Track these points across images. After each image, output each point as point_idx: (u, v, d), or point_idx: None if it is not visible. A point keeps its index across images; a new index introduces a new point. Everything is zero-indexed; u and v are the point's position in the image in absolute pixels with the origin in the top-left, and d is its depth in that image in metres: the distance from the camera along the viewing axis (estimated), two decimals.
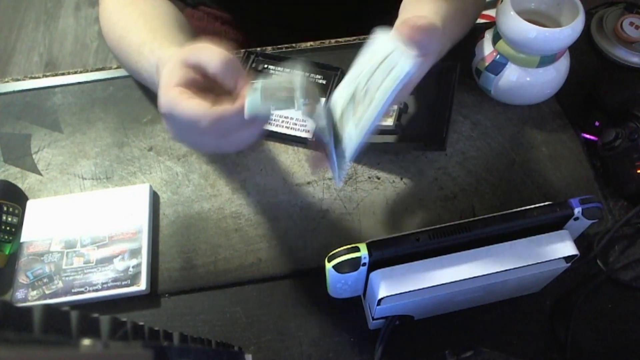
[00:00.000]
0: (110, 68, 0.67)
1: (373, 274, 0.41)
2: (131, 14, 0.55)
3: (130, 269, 0.51)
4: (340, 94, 0.42)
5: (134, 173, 0.59)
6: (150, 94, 0.65)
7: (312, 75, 0.64)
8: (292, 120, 0.61)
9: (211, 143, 0.40)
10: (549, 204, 0.41)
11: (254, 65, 0.65)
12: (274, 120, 0.60)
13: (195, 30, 0.72)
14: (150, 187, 0.56)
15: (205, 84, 0.40)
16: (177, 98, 0.38)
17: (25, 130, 0.62)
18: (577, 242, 0.42)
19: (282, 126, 0.60)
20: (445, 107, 0.57)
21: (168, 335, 0.26)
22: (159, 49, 0.48)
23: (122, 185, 0.58)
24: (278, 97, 0.37)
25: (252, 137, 0.40)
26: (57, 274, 0.51)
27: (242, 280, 0.52)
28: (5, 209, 0.53)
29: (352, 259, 0.39)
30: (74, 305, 0.50)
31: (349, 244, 0.39)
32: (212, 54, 0.38)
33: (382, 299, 0.40)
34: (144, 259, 0.51)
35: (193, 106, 0.37)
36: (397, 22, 0.43)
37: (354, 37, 0.69)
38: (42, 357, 0.15)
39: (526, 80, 0.57)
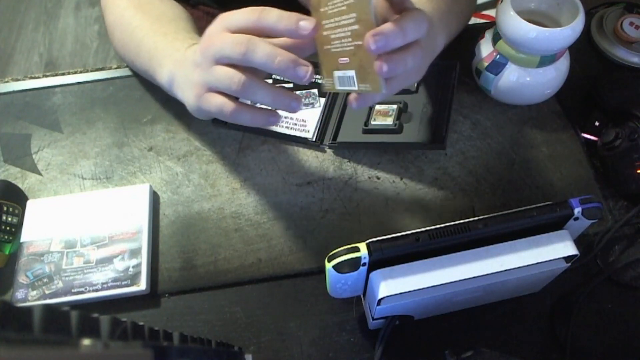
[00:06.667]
0: (110, 68, 0.68)
1: (373, 274, 0.41)
2: (149, 12, 0.58)
3: (130, 269, 0.51)
4: None
5: (134, 173, 0.59)
6: (150, 93, 0.65)
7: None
8: (292, 120, 0.61)
9: (261, 46, 0.41)
10: (549, 204, 0.41)
11: None
12: None
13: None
14: (150, 187, 0.56)
15: None
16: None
17: (25, 130, 0.62)
18: (577, 242, 0.42)
19: (282, 126, 0.60)
20: (445, 106, 0.57)
21: (168, 335, 0.26)
22: (184, 40, 0.52)
23: (122, 185, 0.58)
24: None
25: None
26: (57, 274, 0.51)
27: (242, 280, 0.52)
28: (5, 209, 0.53)
29: (352, 259, 0.39)
30: (74, 305, 0.50)
31: (349, 244, 0.39)
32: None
33: (382, 299, 0.40)
34: (144, 259, 0.51)
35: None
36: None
37: None
38: (42, 357, 0.15)
39: (526, 80, 0.57)
